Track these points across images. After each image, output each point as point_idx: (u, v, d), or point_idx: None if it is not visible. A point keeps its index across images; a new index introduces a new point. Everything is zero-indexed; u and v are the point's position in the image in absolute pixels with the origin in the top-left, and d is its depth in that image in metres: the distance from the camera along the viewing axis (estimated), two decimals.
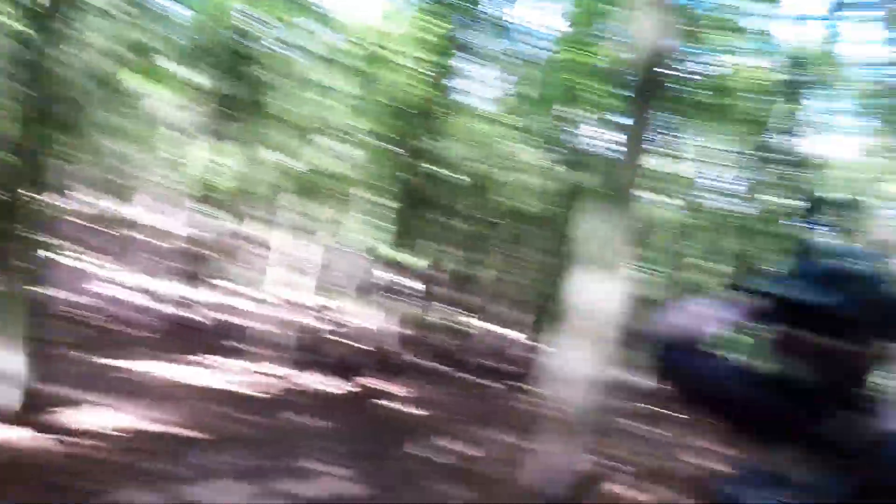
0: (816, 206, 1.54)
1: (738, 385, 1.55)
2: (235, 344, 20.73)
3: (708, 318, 1.67)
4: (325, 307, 26.96)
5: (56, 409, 8.26)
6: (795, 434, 1.40)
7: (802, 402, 1.41)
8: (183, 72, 24.27)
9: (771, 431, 1.45)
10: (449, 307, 34.63)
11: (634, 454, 11.14)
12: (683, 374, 1.71)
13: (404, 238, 14.25)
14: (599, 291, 6.07)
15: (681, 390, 1.69)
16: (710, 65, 23.11)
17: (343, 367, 17.66)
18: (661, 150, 26.47)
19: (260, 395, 12.95)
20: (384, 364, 13.45)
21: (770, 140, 19.22)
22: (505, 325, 37.49)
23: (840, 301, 1.35)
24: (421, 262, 22.82)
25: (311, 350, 22.53)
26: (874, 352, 1.38)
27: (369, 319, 14.11)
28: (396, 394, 15.40)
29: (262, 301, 34.14)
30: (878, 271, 1.42)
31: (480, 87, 29.68)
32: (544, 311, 25.58)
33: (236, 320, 29.50)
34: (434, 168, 22.37)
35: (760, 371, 1.51)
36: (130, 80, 22.17)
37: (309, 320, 32.43)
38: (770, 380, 1.47)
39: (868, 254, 1.50)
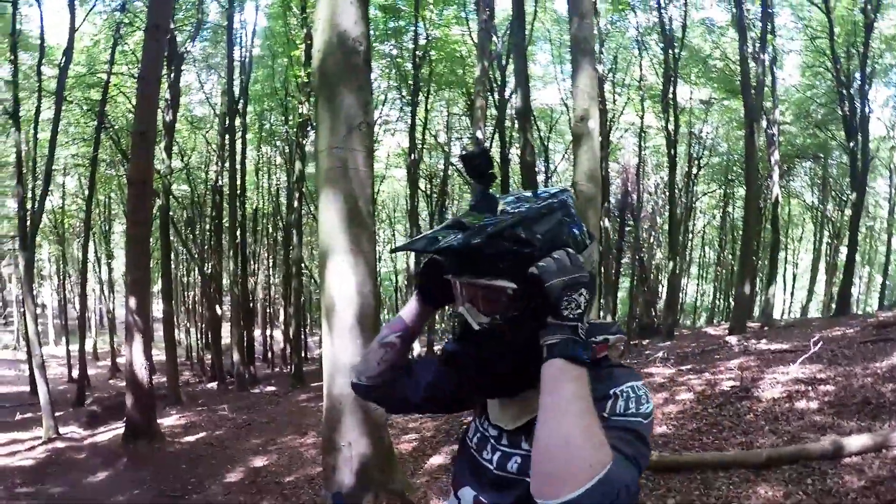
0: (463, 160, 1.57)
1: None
2: (3, 414, 19.31)
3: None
4: (82, 352, 25.30)
5: None
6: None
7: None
8: None
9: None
10: (203, 323, 33.80)
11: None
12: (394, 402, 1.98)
13: (144, 264, 13.83)
14: (345, 277, 6.18)
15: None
16: (419, 38, 23.91)
17: (111, 410, 16.92)
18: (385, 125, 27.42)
19: (35, 462, 12.36)
20: (150, 398, 13.06)
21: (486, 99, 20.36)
22: (264, 326, 37.15)
23: (459, 241, 1.44)
24: (164, 284, 22.21)
25: (77, 400, 21.49)
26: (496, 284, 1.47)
27: (126, 354, 13.53)
28: (173, 425, 14.97)
29: (21, 360, 31.38)
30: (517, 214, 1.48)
31: (202, 94, 29.22)
32: (302, 305, 25.72)
33: None
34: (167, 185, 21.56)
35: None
36: None
37: (66, 369, 30.61)
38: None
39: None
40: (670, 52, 23.80)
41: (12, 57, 17.46)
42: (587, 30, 9.85)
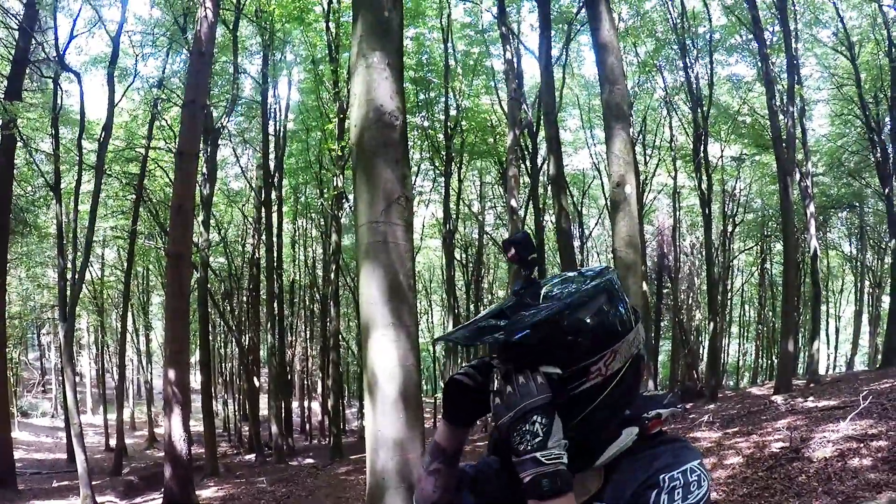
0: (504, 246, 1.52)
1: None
2: (38, 480, 19.37)
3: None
4: (120, 421, 25.45)
5: None
6: None
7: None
8: None
9: None
10: (240, 395, 33.85)
11: None
12: None
13: (183, 335, 13.92)
14: (387, 351, 6.07)
15: None
16: (450, 108, 24.22)
17: (148, 480, 16.87)
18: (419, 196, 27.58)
19: None
20: (188, 469, 13.01)
21: (519, 167, 20.41)
22: (302, 398, 37.08)
23: (500, 335, 1.42)
24: (203, 355, 22.29)
25: (114, 470, 21.52)
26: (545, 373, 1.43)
27: (164, 425, 13.54)
28: (211, 497, 14.87)
29: (58, 428, 31.60)
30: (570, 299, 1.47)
31: (239, 168, 29.76)
32: (340, 376, 25.66)
33: (36, 455, 27.38)
34: (205, 258, 21.82)
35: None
36: None
37: (104, 438, 30.76)
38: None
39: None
40: (699, 110, 23.78)
41: (53, 131, 17.92)
42: (619, 96, 9.87)
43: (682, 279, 32.55)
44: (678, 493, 1.37)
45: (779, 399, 15.95)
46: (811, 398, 14.75)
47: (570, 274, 1.60)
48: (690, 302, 33.83)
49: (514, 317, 1.45)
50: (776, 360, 28.99)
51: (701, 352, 32.92)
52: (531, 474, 1.33)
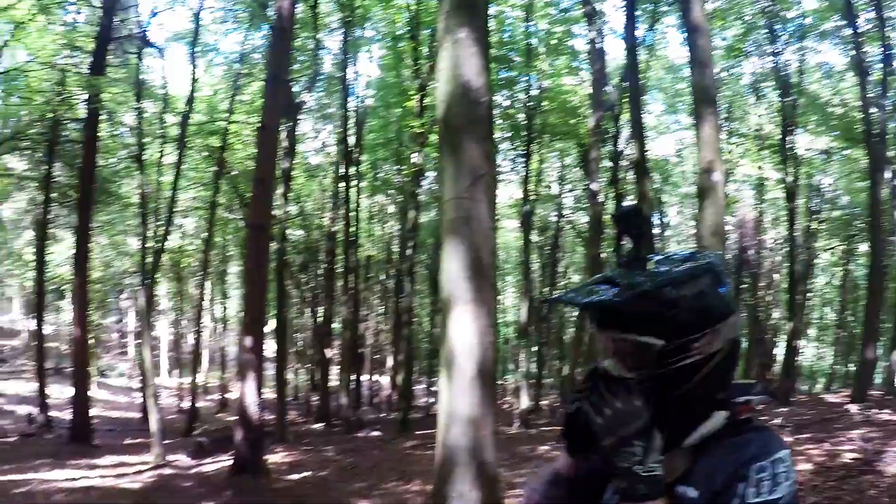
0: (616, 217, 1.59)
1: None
2: (112, 437, 20.13)
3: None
4: (194, 385, 26.16)
5: None
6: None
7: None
8: (20, 165, 23.61)
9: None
10: (312, 365, 34.40)
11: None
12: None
13: (260, 304, 14.18)
14: (467, 327, 6.13)
15: None
16: (531, 88, 23.96)
17: (218, 443, 17.28)
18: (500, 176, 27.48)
19: (142, 486, 12.77)
20: (258, 434, 13.32)
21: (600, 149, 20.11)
22: (372, 372, 37.52)
23: (611, 297, 1.45)
24: (278, 325, 22.63)
25: (185, 431, 22.15)
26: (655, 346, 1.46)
27: (237, 390, 13.89)
28: (279, 462, 15.16)
29: (134, 388, 32.81)
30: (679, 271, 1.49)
31: (318, 142, 30.14)
32: (411, 352, 25.86)
33: (112, 413, 28.51)
34: (283, 230, 22.17)
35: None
36: None
37: (177, 400, 31.73)
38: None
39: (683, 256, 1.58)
40: (787, 99, 22.90)
41: (137, 105, 18.41)
42: (709, 79, 9.66)
43: (762, 275, 31.74)
44: (765, 485, 1.37)
45: (854, 408, 15.46)
46: (887, 410, 14.30)
47: (675, 253, 1.60)
48: (769, 300, 33.00)
49: (623, 284, 1.47)
50: (854, 368, 28.05)
51: (776, 352, 32.12)
52: (628, 484, 1.38)
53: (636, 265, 1.53)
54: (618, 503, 1.44)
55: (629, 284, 1.46)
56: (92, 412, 20.96)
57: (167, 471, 14.63)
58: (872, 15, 20.63)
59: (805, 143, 27.23)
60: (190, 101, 19.07)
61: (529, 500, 1.77)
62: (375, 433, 22.18)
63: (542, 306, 29.85)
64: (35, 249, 26.98)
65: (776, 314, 33.30)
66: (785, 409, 17.83)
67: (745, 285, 29.44)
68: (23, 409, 24.91)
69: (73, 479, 12.89)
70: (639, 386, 1.46)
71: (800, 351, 32.18)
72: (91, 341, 26.92)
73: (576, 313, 22.28)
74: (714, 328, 1.47)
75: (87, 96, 18.67)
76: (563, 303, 1.68)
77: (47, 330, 29.37)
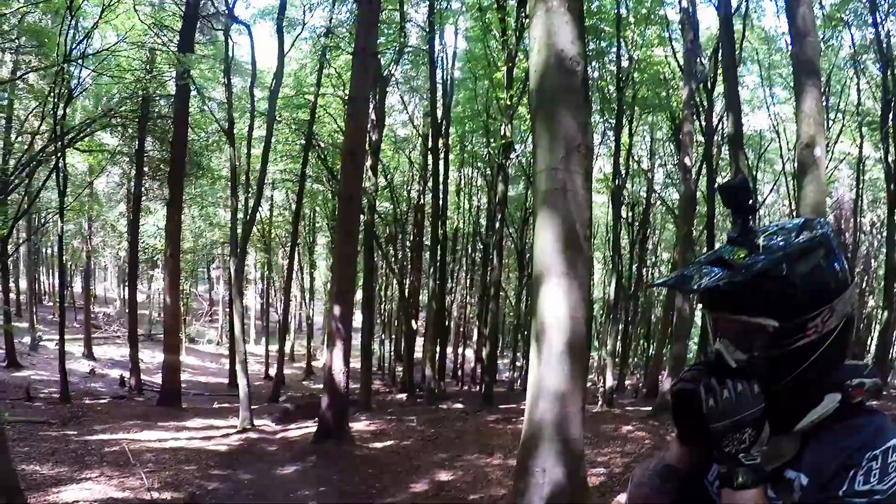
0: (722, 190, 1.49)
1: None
2: (200, 401, 20.79)
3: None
4: (281, 353, 26.83)
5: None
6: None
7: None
8: (113, 141, 24.50)
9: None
10: (397, 336, 34.84)
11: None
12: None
13: (349, 275, 14.36)
14: (559, 301, 6.06)
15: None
16: (621, 59, 23.55)
17: (303, 409, 17.63)
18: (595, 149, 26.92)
19: (229, 448, 13.14)
20: (344, 401, 13.56)
21: (693, 123, 19.60)
22: (456, 344, 37.80)
23: (724, 280, 1.40)
24: (365, 295, 22.88)
25: (271, 397, 22.72)
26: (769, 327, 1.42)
27: (325, 358, 14.16)
28: (362, 430, 15.40)
29: (223, 355, 33.82)
30: (792, 248, 1.43)
31: (405, 115, 30.31)
32: (496, 326, 25.90)
33: (200, 378, 29.46)
34: (372, 202, 22.37)
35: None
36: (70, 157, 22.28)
37: (264, 368, 32.59)
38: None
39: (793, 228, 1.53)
40: (889, 72, 21.74)
41: (226, 80, 18.82)
42: (811, 49, 9.28)
43: (859, 259, 30.62)
44: (875, 474, 1.32)
45: None
46: None
47: (786, 224, 1.56)
48: (865, 286, 31.84)
49: (733, 265, 1.43)
50: None
51: (869, 342, 30.99)
52: (730, 470, 1.39)
53: (746, 241, 1.48)
54: (717, 488, 1.45)
55: (742, 266, 1.41)
56: (182, 377, 21.83)
57: (253, 435, 15.14)
58: None
59: None
60: (278, 75, 19.35)
61: (638, 493, 1.72)
62: (458, 405, 22.32)
63: (629, 284, 29.50)
64: (128, 221, 27.99)
65: (871, 302, 32.08)
66: (875, 403, 17.14)
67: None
68: (116, 373, 26.03)
69: (162, 440, 13.44)
70: (752, 369, 1.44)
71: (895, 343, 31.00)
72: (182, 309, 27.86)
73: (665, 292, 21.87)
74: (830, 304, 1.42)
75: (176, 73, 19.18)
76: (670, 287, 1.60)
77: (140, 298, 30.48)
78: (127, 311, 28.04)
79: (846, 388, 1.44)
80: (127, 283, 30.54)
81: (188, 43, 19.30)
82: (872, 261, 32.07)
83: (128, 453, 11.26)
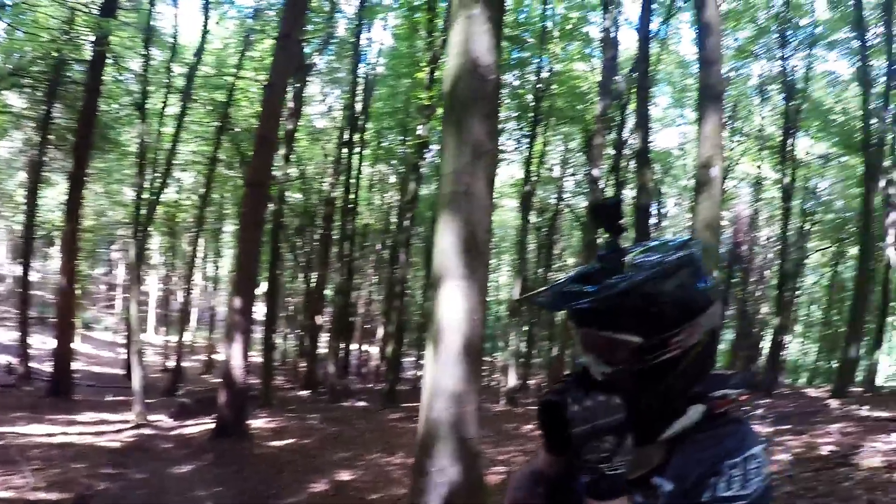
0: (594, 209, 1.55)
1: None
2: (93, 393, 20.11)
3: None
4: (180, 344, 26.13)
5: None
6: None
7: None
8: (20, 103, 23.34)
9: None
10: (301, 330, 34.51)
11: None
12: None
13: (253, 265, 14.18)
14: (457, 302, 6.17)
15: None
16: (542, 70, 23.98)
17: (202, 404, 17.32)
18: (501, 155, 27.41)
19: (122, 445, 12.77)
20: (243, 397, 13.36)
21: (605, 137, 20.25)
22: (361, 341, 37.60)
23: (589, 299, 1.44)
24: (269, 288, 22.59)
25: (168, 390, 22.18)
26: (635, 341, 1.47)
27: (223, 352, 13.95)
28: (262, 427, 15.21)
29: (119, 344, 32.76)
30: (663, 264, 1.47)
31: (324, 106, 30.06)
32: (402, 324, 25.94)
33: (94, 367, 28.44)
34: (282, 191, 22.10)
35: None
36: None
37: (162, 359, 31.74)
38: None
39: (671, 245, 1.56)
40: (791, 103, 23.30)
41: (145, 52, 18.27)
42: (716, 77, 9.73)
43: (754, 271, 32.02)
44: (736, 481, 1.40)
45: (834, 403, 15.78)
46: (866, 407, 14.48)
47: (654, 243, 1.59)
48: (758, 294, 33.29)
49: (600, 283, 1.46)
50: (836, 365, 28.41)
51: (762, 346, 32.47)
52: (593, 478, 1.41)
53: (614, 259, 1.52)
54: (581, 498, 1.47)
55: (608, 284, 1.44)
56: (74, 366, 20.74)
57: (148, 431, 14.66)
58: (882, 30, 20.86)
59: (805, 146, 27.56)
60: (199, 52, 18.95)
61: (514, 497, 1.80)
62: (361, 403, 22.30)
63: (534, 287, 29.95)
64: (27, 192, 26.74)
65: (764, 309, 33.67)
66: (767, 401, 18.04)
67: (736, 279, 29.73)
68: (2, 359, 24.75)
69: (51, 435, 12.87)
70: (618, 382, 1.48)
71: (785, 346, 32.52)
72: (77, 292, 26.78)
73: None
74: (693, 321, 1.48)
75: (94, 38, 18.46)
76: (538, 305, 1.68)
77: (33, 277, 29.22)
78: (18, 290, 26.83)
79: (710, 400, 1.51)
80: (20, 260, 29.30)
81: (111, 7, 18.53)
82: (767, 272, 33.56)
83: (12, 449, 10.84)
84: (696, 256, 1.53)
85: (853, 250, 31.34)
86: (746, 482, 1.40)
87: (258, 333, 25.32)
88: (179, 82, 21.05)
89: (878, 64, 21.65)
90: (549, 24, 23.22)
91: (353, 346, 34.32)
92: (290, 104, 20.99)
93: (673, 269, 1.47)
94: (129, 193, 31.75)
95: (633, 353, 1.47)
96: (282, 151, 20.79)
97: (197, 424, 15.70)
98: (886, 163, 21.32)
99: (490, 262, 6.72)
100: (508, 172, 30.76)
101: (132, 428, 14.71)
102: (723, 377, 1.64)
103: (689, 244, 1.57)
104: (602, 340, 1.52)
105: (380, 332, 34.62)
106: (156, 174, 19.85)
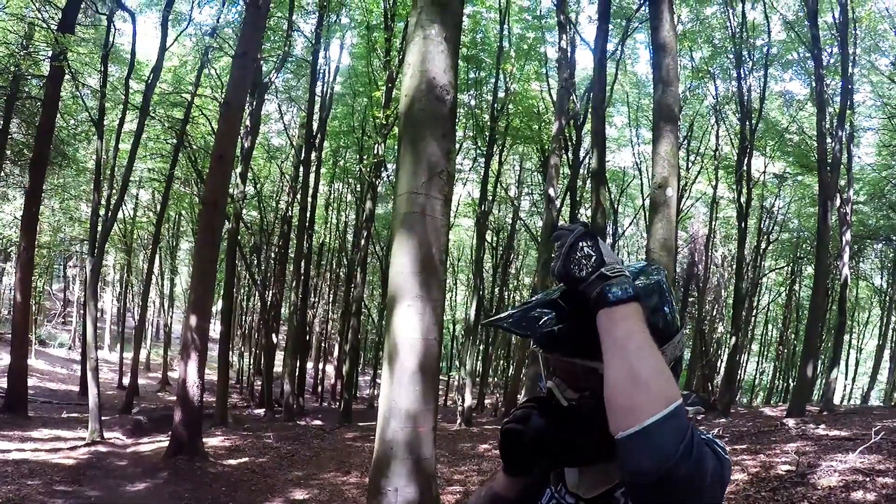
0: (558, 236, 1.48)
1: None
2: (48, 409, 19.67)
3: None
4: (136, 361, 25.70)
5: None
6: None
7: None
8: None
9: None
10: (257, 349, 34.21)
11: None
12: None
13: (209, 283, 14.05)
14: (412, 322, 6.11)
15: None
16: (498, 90, 24.20)
17: (157, 422, 17.07)
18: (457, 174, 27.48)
19: (76, 462, 12.44)
20: (198, 415, 13.17)
21: (561, 157, 20.42)
22: (317, 360, 37.38)
23: (556, 326, 1.45)
24: (225, 306, 22.42)
25: (124, 408, 21.83)
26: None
27: (179, 370, 13.75)
28: (217, 446, 15.02)
29: (74, 360, 32.05)
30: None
31: (282, 125, 29.99)
32: (358, 343, 25.82)
33: (50, 384, 27.84)
34: (239, 210, 21.94)
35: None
36: None
37: (118, 376, 31.23)
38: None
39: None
40: (747, 122, 23.52)
41: (102, 67, 18.09)
42: (672, 97, 9.78)
43: (710, 290, 32.39)
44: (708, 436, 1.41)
45: (791, 422, 15.85)
46: (823, 426, 14.65)
47: (626, 268, 1.54)
48: (714, 314, 33.66)
49: (567, 310, 1.46)
50: (793, 384, 28.75)
51: (719, 365, 32.75)
52: (598, 286, 1.33)
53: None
54: None
55: (573, 310, 1.44)
56: (29, 382, 20.42)
57: (102, 448, 14.44)
58: (836, 50, 21.27)
59: (760, 166, 27.89)
60: (157, 69, 18.73)
61: None
62: (317, 422, 22.12)
63: (490, 307, 30.02)
64: None
65: (720, 328, 34.00)
66: (724, 420, 18.19)
67: (692, 299, 29.98)
68: None
69: (5, 451, 12.64)
70: (583, 408, 1.47)
71: (741, 365, 32.91)
72: (33, 308, 26.27)
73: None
74: (661, 349, 1.42)
75: (52, 53, 18.23)
76: (505, 329, 1.64)
77: None
78: None
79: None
80: None
81: (70, 23, 18.31)
82: (723, 291, 33.94)
83: None
84: (662, 283, 1.54)
85: (809, 269, 31.91)
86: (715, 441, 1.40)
87: (214, 351, 24.99)
88: (137, 99, 20.83)
89: (833, 84, 22.14)
90: (505, 43, 23.40)
91: (310, 365, 34.10)
92: (247, 122, 20.85)
93: (643, 295, 1.44)
94: (85, 209, 31.32)
95: (600, 379, 1.38)
96: (238, 169, 20.63)
97: (152, 442, 15.48)
98: (842, 182, 21.73)
99: (446, 281, 6.69)
100: (465, 191, 30.92)
101: (87, 445, 14.50)
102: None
103: (652, 270, 1.58)
104: (568, 366, 1.52)
105: (336, 350, 34.50)
106: (113, 191, 19.57)
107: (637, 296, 1.32)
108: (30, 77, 21.44)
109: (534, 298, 1.59)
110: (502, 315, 1.59)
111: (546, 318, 1.48)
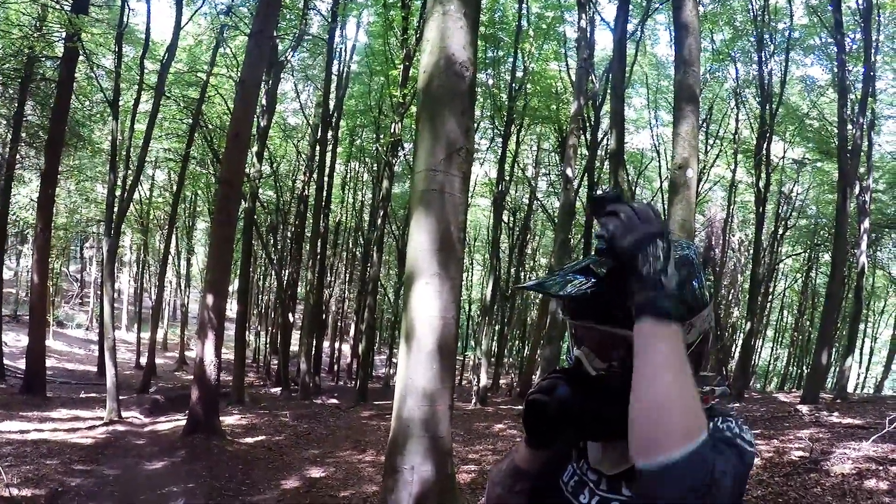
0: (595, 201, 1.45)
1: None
2: (66, 390, 19.81)
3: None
4: (153, 341, 25.90)
5: None
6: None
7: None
8: None
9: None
10: (273, 328, 34.38)
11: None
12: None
13: (225, 263, 14.08)
14: (430, 301, 6.12)
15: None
16: (516, 70, 24.04)
17: (174, 401, 17.18)
18: (477, 154, 27.40)
19: (95, 442, 12.66)
20: (215, 394, 13.25)
21: (579, 137, 20.29)
22: (333, 339, 37.55)
23: (591, 289, 1.45)
24: (242, 285, 22.50)
25: (141, 387, 22.00)
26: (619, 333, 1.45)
27: (196, 349, 13.81)
28: (234, 424, 15.11)
29: (92, 341, 32.24)
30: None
31: (298, 104, 29.96)
32: (374, 322, 25.87)
33: (68, 364, 28.05)
34: (255, 189, 21.95)
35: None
36: None
37: (135, 356, 31.45)
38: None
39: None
40: (767, 107, 23.29)
41: (117, 48, 18.08)
42: (693, 78, 9.67)
43: (726, 274, 32.23)
44: (734, 429, 1.42)
45: (804, 409, 15.82)
46: (836, 413, 14.59)
47: None
48: (730, 298, 33.49)
49: (600, 276, 1.46)
50: (807, 370, 28.58)
51: (733, 350, 32.64)
52: (650, 295, 1.29)
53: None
54: (571, 488, 1.50)
55: (607, 278, 1.44)
56: (47, 363, 20.63)
57: (120, 427, 14.57)
58: (859, 36, 20.98)
59: (779, 151, 27.65)
60: (171, 49, 18.69)
61: (492, 492, 1.77)
62: (333, 401, 22.21)
63: (507, 287, 30.03)
64: None
65: (736, 313, 33.84)
66: (738, 405, 18.14)
67: (708, 283, 29.93)
68: None
69: (25, 432, 12.76)
70: (611, 378, 1.48)
71: (756, 350, 32.77)
72: (50, 289, 26.44)
73: (540, 295, 22.34)
74: (689, 321, 1.47)
75: (66, 34, 18.21)
76: (537, 290, 1.61)
77: (6, 275, 28.82)
78: None
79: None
80: None
81: (84, 4, 18.29)
82: (739, 276, 33.75)
83: None
84: (692, 257, 1.55)
85: (826, 256, 31.64)
86: (743, 432, 1.41)
87: (231, 330, 25.16)
88: (152, 79, 20.83)
89: (855, 70, 21.86)
90: (524, 22, 23.23)
91: (326, 344, 34.22)
92: (263, 101, 20.83)
93: (675, 267, 1.42)
94: (101, 191, 31.43)
95: (629, 349, 1.38)
96: (255, 148, 20.63)
97: (169, 421, 15.59)
98: (861, 169, 21.48)
99: (463, 260, 6.65)
100: (482, 171, 30.83)
101: (105, 425, 14.64)
102: (707, 377, 1.64)
103: (684, 244, 1.58)
104: (598, 334, 1.52)
105: (352, 329, 34.59)
106: (128, 171, 19.62)
107: (682, 318, 1.33)
108: (44, 59, 21.45)
109: (566, 266, 1.58)
110: (538, 280, 1.62)
111: (579, 283, 1.47)
